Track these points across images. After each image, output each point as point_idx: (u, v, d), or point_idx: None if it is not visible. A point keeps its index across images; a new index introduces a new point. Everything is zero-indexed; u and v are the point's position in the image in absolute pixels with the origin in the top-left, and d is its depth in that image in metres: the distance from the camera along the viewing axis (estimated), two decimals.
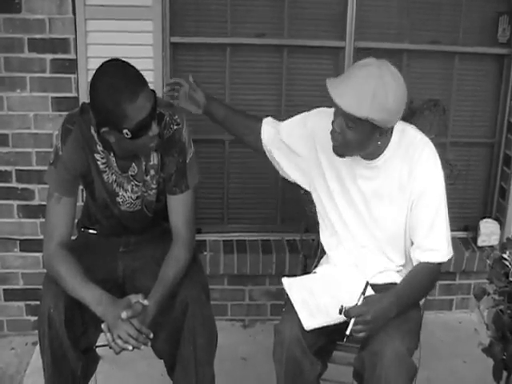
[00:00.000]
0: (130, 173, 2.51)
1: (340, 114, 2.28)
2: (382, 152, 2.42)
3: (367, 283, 2.37)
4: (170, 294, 2.44)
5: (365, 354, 2.30)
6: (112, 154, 2.46)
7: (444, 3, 3.67)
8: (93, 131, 2.42)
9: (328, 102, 2.36)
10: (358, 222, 2.55)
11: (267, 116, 2.80)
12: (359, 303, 2.27)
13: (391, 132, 2.39)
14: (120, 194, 2.55)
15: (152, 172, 2.52)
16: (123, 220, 2.65)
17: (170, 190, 2.56)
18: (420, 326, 2.50)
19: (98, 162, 2.48)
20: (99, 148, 2.45)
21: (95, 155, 2.46)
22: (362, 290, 2.33)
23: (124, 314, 2.28)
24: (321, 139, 2.53)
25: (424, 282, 2.46)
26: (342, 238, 2.60)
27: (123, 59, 2.30)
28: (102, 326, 2.34)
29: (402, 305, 2.34)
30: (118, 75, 2.24)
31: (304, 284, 2.54)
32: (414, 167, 2.40)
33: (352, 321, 2.23)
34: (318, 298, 2.44)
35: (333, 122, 2.33)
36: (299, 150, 2.63)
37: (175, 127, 2.48)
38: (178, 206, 2.56)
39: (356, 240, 2.58)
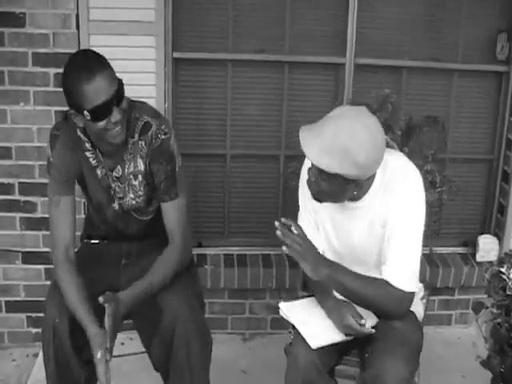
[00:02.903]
0: (114, 173, 2.56)
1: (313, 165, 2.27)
2: (365, 193, 2.37)
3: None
4: (151, 293, 2.46)
5: (366, 375, 2.27)
6: (98, 151, 2.52)
7: (443, 21, 3.71)
8: (79, 133, 2.49)
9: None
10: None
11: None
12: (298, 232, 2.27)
13: (372, 176, 2.34)
14: (113, 185, 2.59)
15: (140, 177, 2.57)
16: (118, 223, 2.68)
17: (160, 197, 2.59)
18: (421, 348, 2.46)
19: (90, 159, 2.54)
20: (88, 145, 2.51)
21: (86, 153, 2.53)
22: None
23: (99, 354, 2.30)
24: None
25: (376, 290, 2.34)
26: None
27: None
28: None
29: (333, 277, 2.31)
30: (79, 59, 2.35)
31: (302, 307, 2.53)
32: (390, 197, 2.33)
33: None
34: (319, 317, 2.44)
35: (308, 170, 2.31)
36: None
37: (163, 137, 2.51)
38: (170, 213, 2.59)
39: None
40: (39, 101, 3.40)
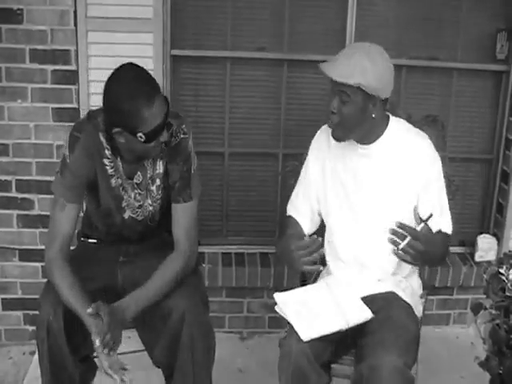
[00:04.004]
0: (134, 180, 2.54)
1: (334, 92, 2.41)
2: (379, 138, 2.51)
3: (431, 215, 2.37)
4: (153, 301, 2.44)
5: (362, 367, 2.29)
6: (119, 159, 2.50)
7: (443, 19, 3.70)
8: (101, 137, 2.46)
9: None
10: (359, 220, 2.58)
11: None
12: (418, 228, 2.34)
13: (386, 116, 2.53)
14: (125, 197, 2.57)
15: (158, 181, 2.56)
16: (124, 229, 2.66)
17: (173, 198, 2.58)
18: (418, 340, 2.48)
19: (107, 167, 2.51)
20: (107, 153, 2.48)
21: (104, 160, 2.50)
22: (425, 219, 2.37)
23: (97, 341, 2.29)
24: (323, 148, 2.64)
25: (442, 240, 2.56)
26: (344, 245, 2.63)
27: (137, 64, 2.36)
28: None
29: (431, 249, 2.37)
30: (135, 79, 2.29)
31: (296, 297, 2.53)
32: (415, 156, 2.49)
33: (407, 240, 2.26)
34: (313, 309, 2.44)
35: (330, 106, 2.44)
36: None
37: (182, 136, 2.52)
38: (180, 216, 2.57)
39: (358, 246, 2.60)
40: (36, 98, 3.38)
